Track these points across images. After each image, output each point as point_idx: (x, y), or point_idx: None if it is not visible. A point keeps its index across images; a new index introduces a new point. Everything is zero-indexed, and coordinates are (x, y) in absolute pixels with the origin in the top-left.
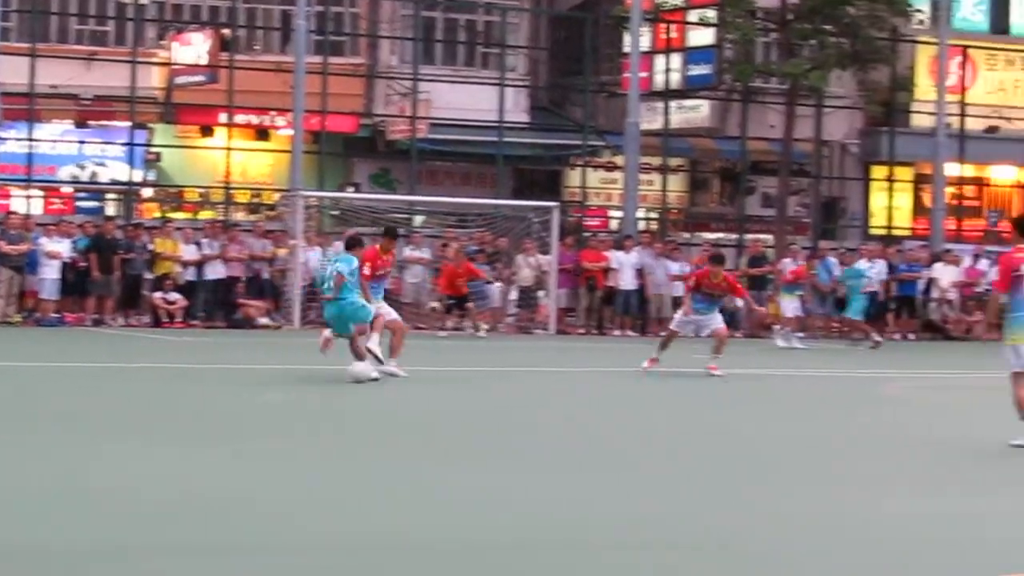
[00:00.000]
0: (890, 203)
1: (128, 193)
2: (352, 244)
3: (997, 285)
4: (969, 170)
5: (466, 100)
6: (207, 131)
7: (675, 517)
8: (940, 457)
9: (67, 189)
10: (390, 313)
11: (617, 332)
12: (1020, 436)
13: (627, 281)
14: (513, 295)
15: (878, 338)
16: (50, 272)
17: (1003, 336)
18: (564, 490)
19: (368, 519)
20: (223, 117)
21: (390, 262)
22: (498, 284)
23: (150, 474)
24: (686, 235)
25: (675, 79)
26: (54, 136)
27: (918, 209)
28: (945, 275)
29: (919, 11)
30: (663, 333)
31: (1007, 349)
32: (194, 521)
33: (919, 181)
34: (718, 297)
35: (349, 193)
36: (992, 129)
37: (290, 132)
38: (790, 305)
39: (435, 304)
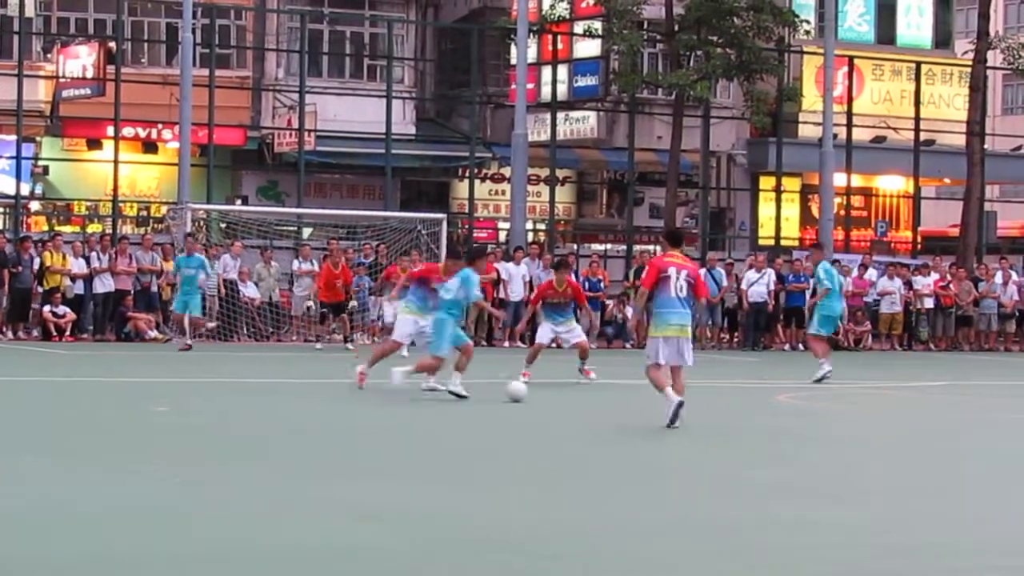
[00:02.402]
0: (778, 213)
1: (15, 207)
2: (475, 256)
3: (644, 283)
4: (856, 180)
5: (353, 112)
6: (94, 144)
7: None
8: (834, 462)
9: None
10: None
11: (506, 344)
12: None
13: (516, 292)
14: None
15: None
16: None
17: (649, 330)
18: (452, 500)
19: (251, 528)
20: (110, 130)
21: (565, 292)
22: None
23: (33, 488)
24: (574, 246)
25: (562, 90)
26: None
27: (806, 219)
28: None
29: (805, 21)
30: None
31: (651, 341)
32: (79, 534)
33: (807, 191)
34: (565, 305)
35: (237, 206)
36: (879, 139)
37: (177, 145)
38: None
39: (310, 304)
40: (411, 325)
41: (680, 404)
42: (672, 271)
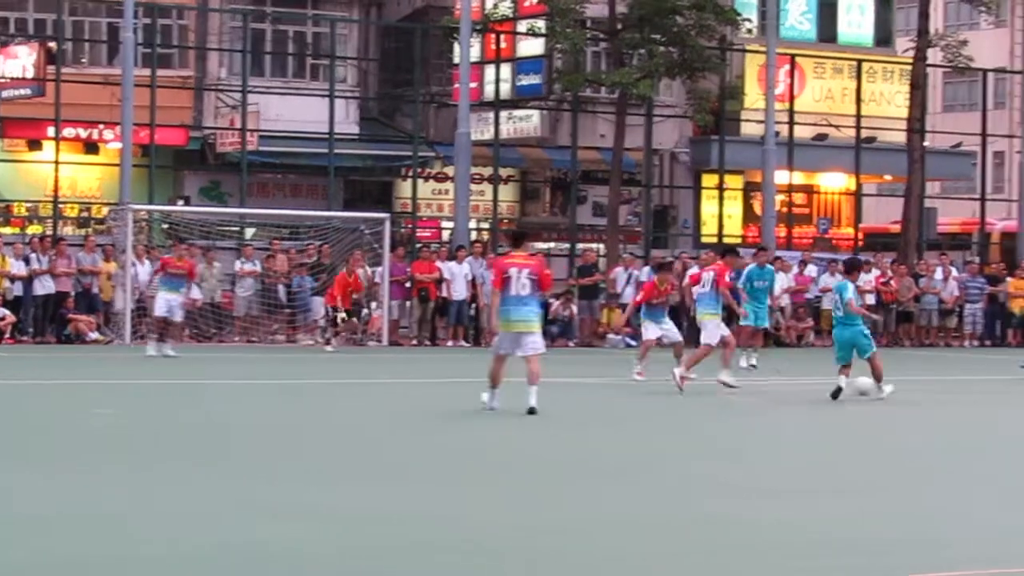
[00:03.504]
0: (721, 211)
1: None
2: (852, 268)
3: (493, 284)
4: (798, 178)
5: (296, 112)
6: (35, 145)
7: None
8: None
9: None
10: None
11: (450, 343)
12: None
13: (459, 292)
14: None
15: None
16: None
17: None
18: (401, 500)
19: (205, 530)
20: (51, 131)
21: (667, 291)
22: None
23: None
24: None
25: (505, 89)
26: None
27: (748, 217)
28: (777, 282)
29: (747, 20)
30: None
31: (499, 336)
32: (13, 537)
33: (749, 189)
34: (665, 305)
35: (179, 207)
36: (821, 137)
37: (119, 146)
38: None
39: (342, 315)
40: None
41: (494, 396)
42: (513, 271)
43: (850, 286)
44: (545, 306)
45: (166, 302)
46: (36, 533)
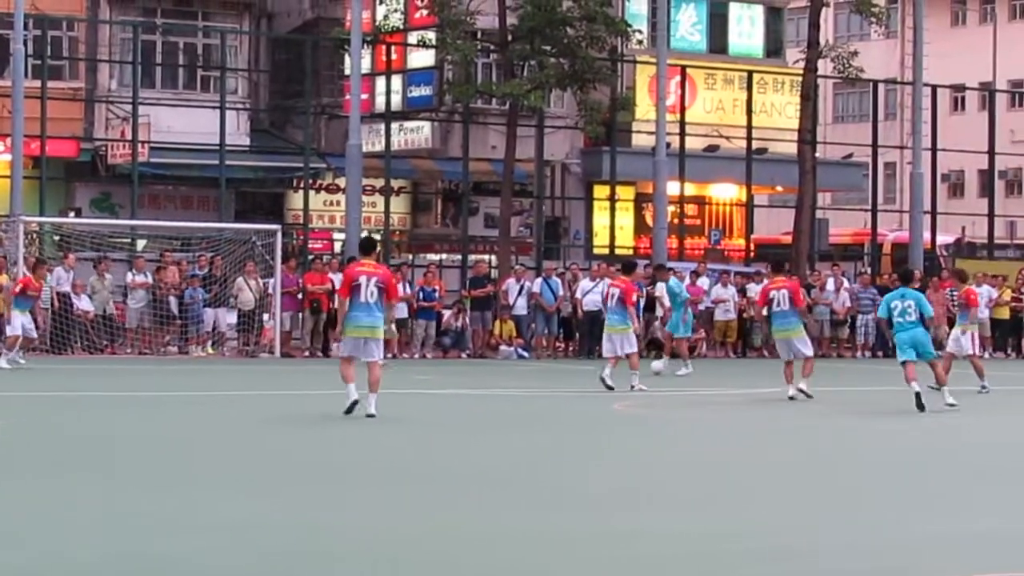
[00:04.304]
0: (612, 222)
1: None
2: (908, 278)
3: (340, 292)
4: (690, 188)
5: (187, 123)
6: None
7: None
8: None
9: None
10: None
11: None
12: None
13: None
14: (232, 319)
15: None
16: None
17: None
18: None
19: (82, 540)
20: None
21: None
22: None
23: None
24: (409, 256)
25: (396, 101)
26: None
27: (640, 228)
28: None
29: (638, 31)
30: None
31: (344, 340)
32: None
33: (641, 200)
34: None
35: (70, 218)
36: (712, 148)
37: (9, 157)
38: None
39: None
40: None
41: (355, 402)
42: (363, 279)
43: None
44: (437, 317)
45: (21, 323)
46: None
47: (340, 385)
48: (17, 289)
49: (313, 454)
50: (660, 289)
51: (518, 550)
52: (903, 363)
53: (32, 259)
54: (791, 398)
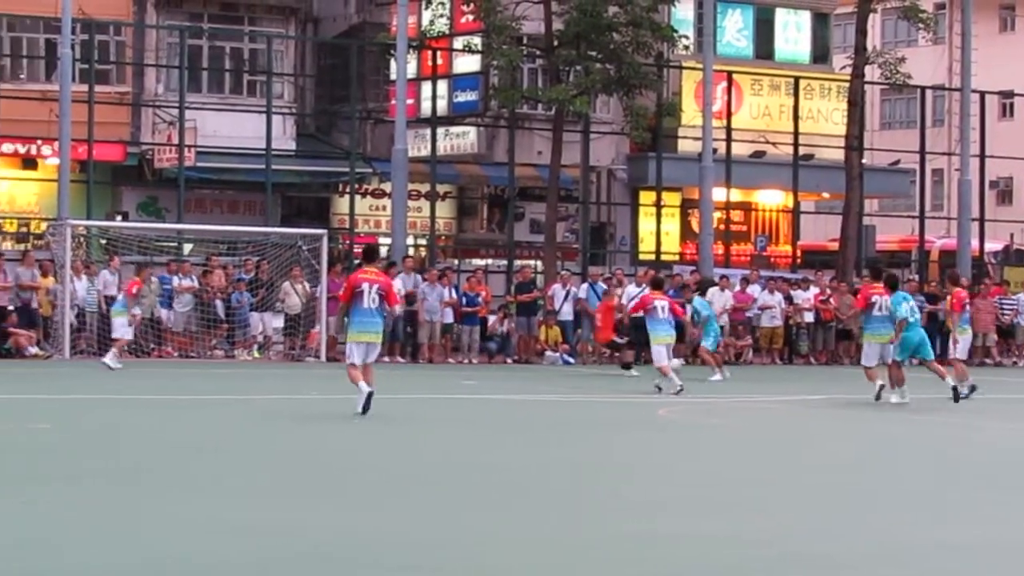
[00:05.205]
0: (658, 228)
1: None
2: (895, 284)
3: (341, 298)
4: (736, 195)
5: (233, 128)
6: None
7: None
8: (706, 480)
9: None
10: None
11: (387, 358)
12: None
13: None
14: (279, 323)
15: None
16: None
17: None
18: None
19: (135, 546)
20: None
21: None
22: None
23: None
24: (455, 261)
25: (441, 106)
26: None
27: (686, 234)
28: (717, 300)
29: (684, 37)
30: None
31: (348, 345)
32: None
33: (687, 206)
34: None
35: (117, 222)
36: (758, 154)
37: (57, 161)
38: None
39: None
40: None
41: (371, 394)
42: (365, 286)
43: None
44: (482, 322)
45: (125, 324)
46: None
47: (385, 388)
48: (133, 291)
49: (352, 458)
50: (709, 296)
51: (555, 554)
52: (895, 361)
53: (137, 262)
54: (887, 402)
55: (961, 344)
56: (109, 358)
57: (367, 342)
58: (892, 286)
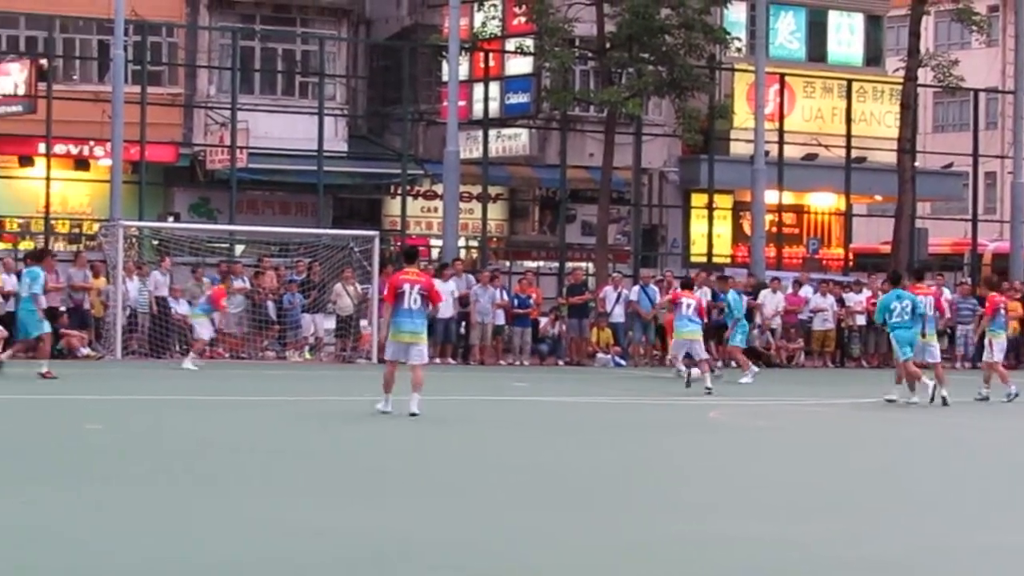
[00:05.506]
0: (710, 230)
1: None
2: (898, 280)
3: (385, 298)
4: (788, 197)
5: (285, 129)
6: (26, 161)
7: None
8: (758, 482)
9: None
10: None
11: (438, 360)
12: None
13: (446, 309)
14: (330, 324)
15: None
16: None
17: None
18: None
19: (179, 546)
20: (42, 147)
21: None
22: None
23: None
24: (507, 263)
25: (493, 108)
26: None
27: (738, 236)
28: (769, 303)
29: (736, 39)
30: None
31: (388, 344)
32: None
33: (738, 208)
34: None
35: (169, 223)
36: (810, 156)
37: (109, 162)
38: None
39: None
40: None
41: (387, 413)
42: (407, 287)
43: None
44: (534, 324)
45: (207, 327)
46: (21, 549)
47: (436, 390)
48: (223, 303)
49: (403, 459)
50: (762, 298)
51: (602, 555)
52: (904, 361)
53: (224, 268)
54: (931, 401)
55: (996, 347)
56: (188, 362)
57: (406, 342)
58: (894, 282)
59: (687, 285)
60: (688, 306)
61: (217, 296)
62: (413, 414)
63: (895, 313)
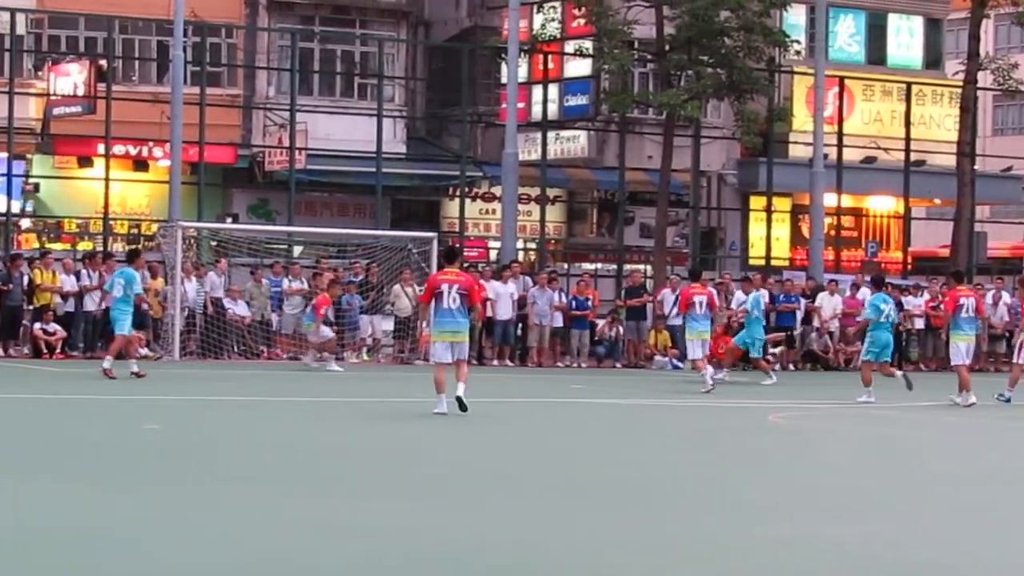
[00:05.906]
0: (768, 233)
1: (6, 224)
2: (880, 283)
3: (422, 298)
4: (847, 200)
5: (344, 131)
6: (85, 162)
7: (559, 544)
8: (821, 483)
9: None
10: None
11: (495, 362)
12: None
13: (504, 311)
14: (388, 326)
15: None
16: None
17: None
18: (447, 517)
19: (224, 546)
20: (101, 148)
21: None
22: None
23: (5, 507)
24: (565, 265)
25: (552, 110)
26: None
27: (796, 239)
28: (827, 305)
29: (796, 42)
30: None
31: (432, 345)
32: (55, 554)
33: (797, 211)
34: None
35: (228, 224)
36: (869, 160)
37: (168, 163)
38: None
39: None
40: None
41: (459, 399)
42: (445, 287)
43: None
44: (591, 326)
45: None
46: (73, 549)
47: (493, 392)
48: (322, 311)
49: (461, 461)
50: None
51: (660, 556)
52: (868, 361)
53: (328, 275)
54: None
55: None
56: (332, 364)
57: (450, 341)
58: (877, 284)
59: (694, 275)
60: (700, 304)
61: (321, 304)
62: (458, 397)
63: (883, 315)
